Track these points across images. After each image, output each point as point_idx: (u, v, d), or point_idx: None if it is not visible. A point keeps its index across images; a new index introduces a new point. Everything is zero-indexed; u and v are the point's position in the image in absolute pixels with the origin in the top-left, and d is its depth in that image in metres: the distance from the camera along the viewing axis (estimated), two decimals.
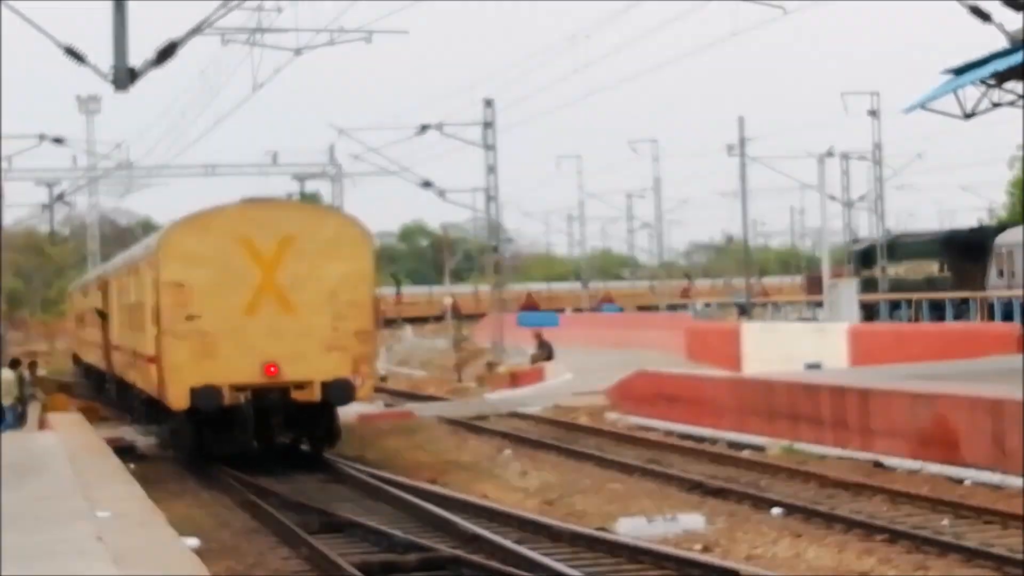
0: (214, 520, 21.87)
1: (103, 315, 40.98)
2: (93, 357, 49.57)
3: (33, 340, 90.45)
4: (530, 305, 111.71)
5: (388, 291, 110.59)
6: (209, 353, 27.95)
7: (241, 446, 28.00)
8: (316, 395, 28.09)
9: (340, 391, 28.08)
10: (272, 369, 27.97)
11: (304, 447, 29.38)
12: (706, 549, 17.76)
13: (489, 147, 60.28)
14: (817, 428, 26.10)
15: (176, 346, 28.12)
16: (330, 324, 28.50)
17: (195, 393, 27.51)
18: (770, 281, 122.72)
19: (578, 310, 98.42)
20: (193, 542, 17.58)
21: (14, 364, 35.81)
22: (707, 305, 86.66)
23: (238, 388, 27.79)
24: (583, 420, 34.47)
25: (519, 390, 45.91)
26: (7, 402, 32.43)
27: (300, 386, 28.25)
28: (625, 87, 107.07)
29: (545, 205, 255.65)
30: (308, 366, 28.11)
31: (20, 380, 35.40)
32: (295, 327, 28.29)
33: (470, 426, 34.57)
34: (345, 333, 28.49)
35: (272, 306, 28.45)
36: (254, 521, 21.67)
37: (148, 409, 32.88)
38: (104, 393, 46.51)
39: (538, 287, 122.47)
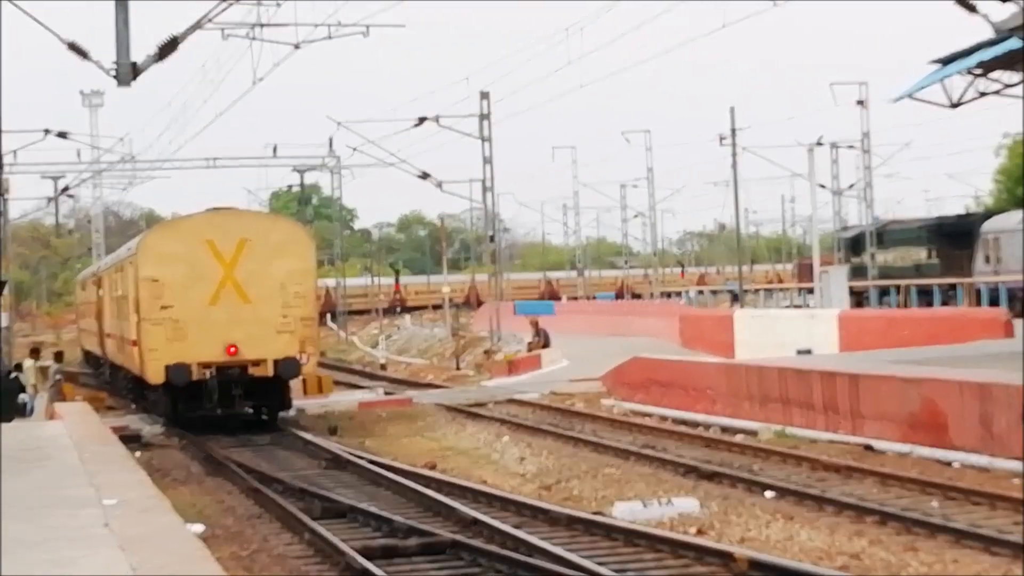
0: (218, 507, 22.12)
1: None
2: (91, 344, 55.30)
3: (39, 331, 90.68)
4: (551, 294, 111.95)
5: (387, 281, 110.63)
6: (180, 337, 33.56)
7: (208, 413, 33.45)
8: (270, 371, 33.70)
9: (289, 367, 33.68)
10: (232, 349, 33.57)
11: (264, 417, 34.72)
12: (700, 532, 17.94)
13: (485, 139, 60.46)
14: (808, 413, 26.34)
15: (153, 331, 33.74)
16: (280, 312, 34.13)
17: (169, 370, 33.12)
18: (761, 268, 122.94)
19: (573, 298, 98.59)
20: (198, 528, 17.89)
21: (34, 353, 37.04)
22: (700, 292, 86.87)
23: (204, 365, 33.34)
24: (579, 406, 34.69)
25: (516, 377, 46.14)
26: (30, 391, 34.15)
27: (256, 363, 33.81)
28: (618, 79, 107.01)
29: (540, 195, 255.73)
30: (262, 347, 33.67)
31: (41, 369, 36.86)
32: (251, 315, 33.94)
33: (468, 413, 34.83)
34: (293, 319, 34.18)
35: (232, 297, 34.08)
36: (257, 507, 21.88)
37: (133, 385, 38.68)
38: (100, 376, 51.58)
39: (557, 275, 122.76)
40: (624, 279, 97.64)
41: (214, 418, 33.50)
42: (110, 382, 47.70)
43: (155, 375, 33.71)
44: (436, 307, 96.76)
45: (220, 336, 33.66)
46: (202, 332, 33.67)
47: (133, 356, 35.87)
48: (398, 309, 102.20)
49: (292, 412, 35.79)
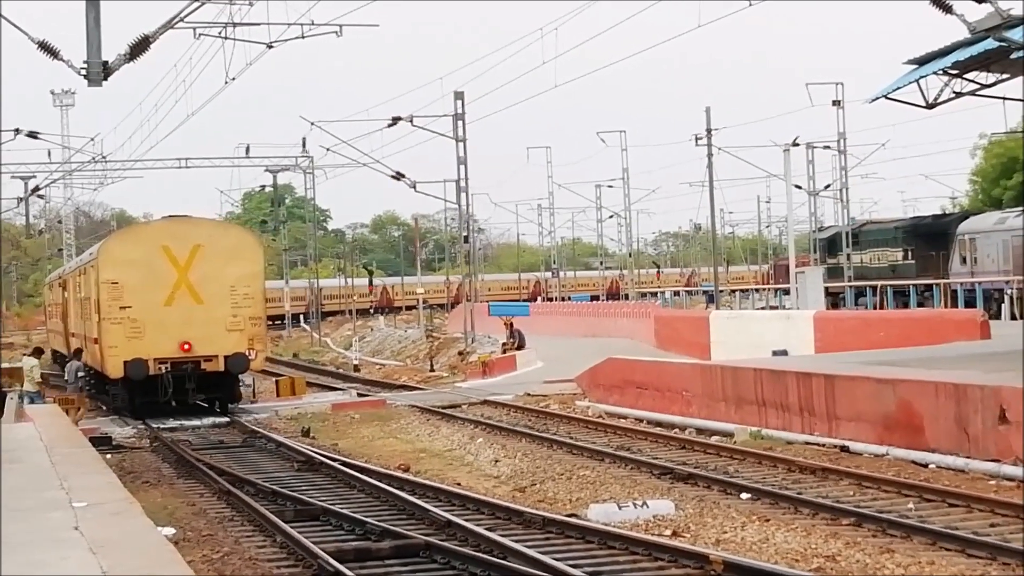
0: (190, 509, 21.95)
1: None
2: (57, 344, 58.85)
3: (9, 332, 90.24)
4: (537, 294, 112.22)
5: (361, 282, 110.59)
6: (138, 335, 36.89)
7: (163, 405, 36.79)
8: (221, 366, 37.24)
9: (239, 362, 37.27)
10: (186, 346, 37.05)
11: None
12: (676, 534, 17.87)
13: (460, 139, 60.40)
14: (784, 414, 26.32)
15: (112, 330, 37.07)
16: (230, 312, 37.54)
17: (127, 365, 36.49)
18: (736, 269, 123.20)
19: (549, 299, 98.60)
20: (169, 531, 17.80)
21: (37, 352, 38.28)
22: (676, 293, 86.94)
23: (160, 361, 36.86)
24: (554, 407, 34.64)
25: (491, 378, 46.12)
26: (29, 387, 35.59)
27: (208, 359, 37.37)
28: (594, 79, 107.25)
29: (515, 195, 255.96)
30: (214, 344, 37.03)
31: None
32: (203, 314, 37.28)
33: (443, 414, 34.75)
34: (242, 319, 37.62)
35: (186, 298, 37.42)
36: (229, 510, 21.73)
37: (95, 379, 41.57)
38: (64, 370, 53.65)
39: (544, 276, 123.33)
40: (616, 279, 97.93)
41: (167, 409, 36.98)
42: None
43: (115, 370, 36.98)
44: (440, 306, 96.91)
45: (175, 334, 37.01)
46: (158, 330, 36.95)
47: (95, 353, 38.63)
48: (385, 310, 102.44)
49: (246, 405, 39.47)
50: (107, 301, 37.38)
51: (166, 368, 36.71)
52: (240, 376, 38.85)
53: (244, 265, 38.19)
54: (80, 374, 38.92)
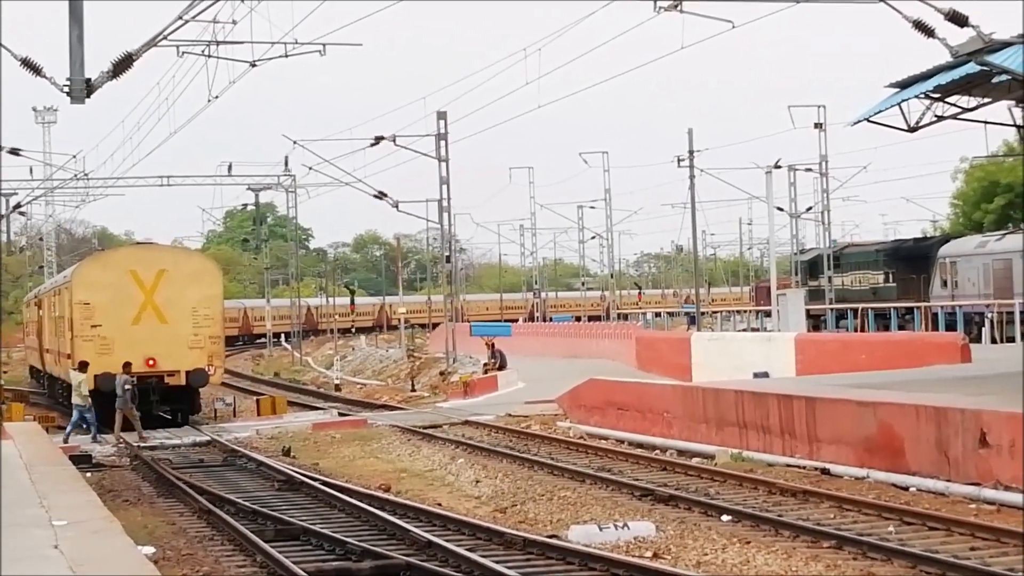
0: (170, 528, 21.91)
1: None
2: (34, 360, 62.78)
3: None
4: (533, 314, 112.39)
5: (343, 301, 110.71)
6: (107, 351, 40.55)
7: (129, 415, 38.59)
8: (183, 380, 41.13)
9: (199, 377, 41.12)
10: (151, 362, 40.80)
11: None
12: (656, 556, 17.88)
13: (442, 159, 60.42)
14: (765, 436, 26.32)
15: (84, 346, 40.90)
16: (192, 331, 41.56)
17: (98, 379, 38.93)
18: (718, 291, 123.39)
19: (530, 318, 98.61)
20: (149, 550, 17.76)
21: (83, 366, 39.24)
22: (657, 315, 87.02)
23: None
24: (535, 428, 34.61)
25: (472, 399, 46.08)
26: (78, 401, 37.85)
27: (171, 374, 41.31)
28: (576, 100, 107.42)
29: (498, 216, 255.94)
30: (176, 360, 40.73)
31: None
32: (167, 333, 41.31)
33: (424, 434, 34.69)
34: (203, 337, 41.68)
35: (151, 318, 41.49)
36: (210, 529, 21.69)
37: (66, 392, 42.87)
38: (40, 385, 59.12)
39: (549, 295, 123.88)
40: (611, 300, 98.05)
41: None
42: (48, 391, 55.51)
43: (86, 383, 38.69)
44: (423, 326, 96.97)
45: (141, 350, 40.60)
46: (126, 347, 40.36)
47: (67, 367, 41.90)
48: (382, 328, 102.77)
49: (226, 424, 41.56)
50: (80, 320, 41.41)
51: (133, 382, 38.74)
52: (222, 397, 43.74)
53: (204, 288, 42.44)
54: (127, 387, 39.21)
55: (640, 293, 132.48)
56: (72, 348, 41.38)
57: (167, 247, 49.50)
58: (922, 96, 30.52)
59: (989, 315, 49.39)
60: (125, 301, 41.52)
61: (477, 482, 26.36)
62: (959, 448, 21.33)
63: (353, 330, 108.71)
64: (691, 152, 67.95)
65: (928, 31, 23.79)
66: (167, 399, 41.90)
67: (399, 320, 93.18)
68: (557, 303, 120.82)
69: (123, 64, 23.60)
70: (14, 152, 61.37)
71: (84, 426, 37.90)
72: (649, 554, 18.00)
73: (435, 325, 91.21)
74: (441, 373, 59.82)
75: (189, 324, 41.62)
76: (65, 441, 35.35)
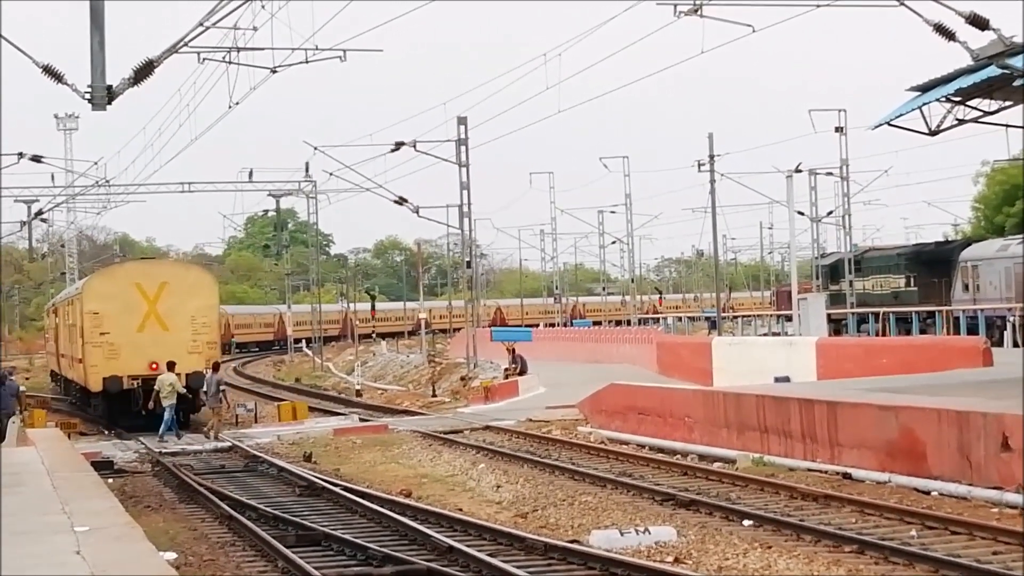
0: (191, 534, 21.95)
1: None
2: (53, 364, 67.02)
3: (11, 356, 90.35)
4: (575, 316, 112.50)
5: (364, 306, 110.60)
6: (114, 355, 44.75)
7: (135, 415, 43.15)
8: (183, 381, 41.98)
9: (198, 379, 42.42)
10: (154, 365, 43.24)
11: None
12: (678, 561, 17.83)
13: (462, 164, 60.43)
14: (786, 441, 26.26)
15: (93, 351, 45.12)
16: (191, 337, 45.12)
17: (106, 380, 44.44)
18: (739, 295, 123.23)
19: (551, 325, 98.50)
20: (170, 556, 17.77)
21: (171, 366, 41.62)
22: (678, 319, 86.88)
23: (133, 377, 44.23)
24: (556, 433, 34.59)
25: (493, 404, 46.07)
26: (168, 402, 40.44)
27: None
28: (597, 104, 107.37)
29: (518, 221, 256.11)
30: (177, 364, 42.18)
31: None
32: (169, 339, 44.67)
33: (445, 440, 34.69)
34: (201, 343, 45.20)
35: (154, 326, 45.13)
36: (231, 535, 21.73)
37: (80, 393, 51.02)
38: (60, 389, 62.64)
39: (585, 299, 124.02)
40: (655, 303, 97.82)
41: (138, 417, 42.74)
42: (64, 391, 60.34)
43: (95, 384, 45.07)
44: (457, 329, 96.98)
45: (145, 355, 44.15)
46: (131, 352, 44.49)
47: (79, 370, 47.62)
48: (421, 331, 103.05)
49: (248, 429, 42.74)
50: (90, 328, 45.35)
51: (138, 383, 43.70)
52: (244, 403, 46.32)
53: (202, 299, 46.22)
54: (222, 387, 41.18)
55: (661, 298, 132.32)
56: (83, 353, 45.76)
57: (168, 262, 55.06)
58: (943, 100, 30.49)
59: (1011, 319, 49.21)
60: (130, 310, 45.25)
61: (498, 487, 26.35)
62: (981, 452, 21.26)
63: (374, 335, 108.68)
64: (711, 156, 67.92)
65: (949, 34, 23.77)
66: None
67: (439, 325, 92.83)
68: (592, 307, 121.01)
69: (144, 71, 23.63)
70: (36, 159, 61.43)
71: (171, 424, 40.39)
72: (670, 559, 17.96)
73: (456, 330, 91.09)
74: (462, 378, 59.84)
75: (188, 331, 45.23)
76: (161, 439, 38.59)
